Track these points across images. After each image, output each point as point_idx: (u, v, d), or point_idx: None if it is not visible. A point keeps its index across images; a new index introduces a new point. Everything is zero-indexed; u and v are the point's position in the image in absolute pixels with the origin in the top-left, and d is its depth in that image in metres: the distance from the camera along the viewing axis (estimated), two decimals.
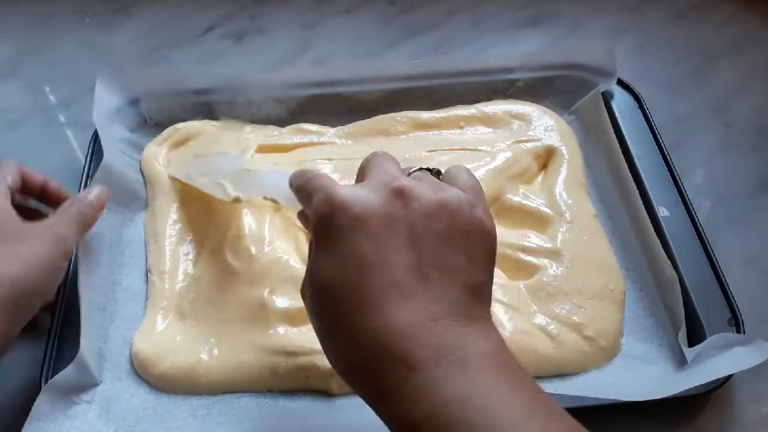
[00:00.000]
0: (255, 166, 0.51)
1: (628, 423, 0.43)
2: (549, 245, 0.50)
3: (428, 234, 0.29)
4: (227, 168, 0.52)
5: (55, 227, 0.41)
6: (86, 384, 0.44)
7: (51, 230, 0.41)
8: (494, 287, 0.48)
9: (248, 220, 0.51)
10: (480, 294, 0.29)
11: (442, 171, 0.36)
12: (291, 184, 0.36)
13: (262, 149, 0.58)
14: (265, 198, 0.47)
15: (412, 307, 0.27)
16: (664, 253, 0.47)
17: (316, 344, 0.44)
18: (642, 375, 0.44)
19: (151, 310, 0.49)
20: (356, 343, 0.27)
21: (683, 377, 0.41)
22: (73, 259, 0.48)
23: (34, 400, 0.40)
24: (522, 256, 0.50)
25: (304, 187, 0.33)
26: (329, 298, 0.29)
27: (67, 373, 0.42)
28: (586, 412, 0.42)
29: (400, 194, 0.30)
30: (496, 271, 0.48)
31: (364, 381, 0.28)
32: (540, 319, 0.46)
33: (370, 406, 0.28)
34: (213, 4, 0.77)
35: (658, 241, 0.48)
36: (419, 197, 0.30)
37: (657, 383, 0.43)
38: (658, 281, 0.48)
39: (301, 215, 0.39)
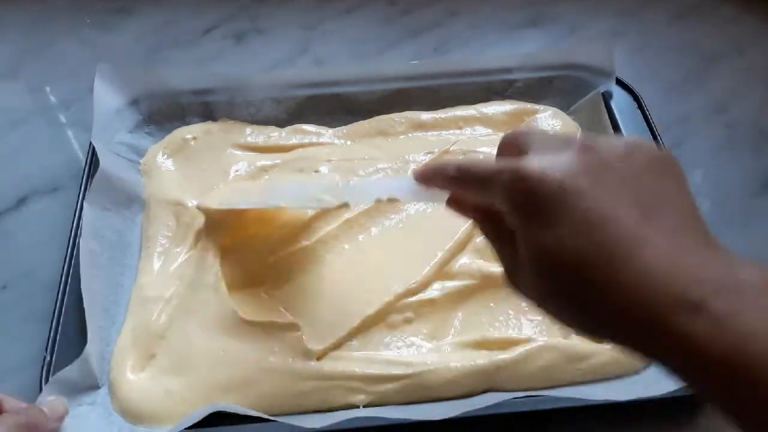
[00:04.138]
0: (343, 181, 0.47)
1: (628, 423, 0.43)
2: None
3: (633, 173, 0.28)
4: (314, 189, 0.46)
5: None
6: (89, 385, 0.44)
7: None
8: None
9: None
10: (702, 218, 0.28)
11: None
12: (435, 176, 0.34)
13: (263, 150, 0.58)
14: (379, 200, 0.41)
15: (663, 245, 0.26)
16: None
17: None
18: (638, 376, 0.44)
19: (126, 325, 0.47)
20: (621, 301, 0.25)
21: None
22: (72, 261, 0.48)
23: (35, 400, 0.40)
24: None
25: (471, 174, 0.31)
26: (572, 267, 0.27)
27: (70, 373, 0.42)
28: (586, 412, 0.42)
29: (587, 148, 0.28)
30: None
31: (638, 337, 0.26)
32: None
33: (645, 354, 0.26)
34: (213, 5, 0.77)
35: None
36: (605, 146, 0.29)
37: (653, 383, 0.43)
38: None
39: (456, 203, 0.35)
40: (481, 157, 0.56)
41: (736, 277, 0.25)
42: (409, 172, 0.36)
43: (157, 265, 0.51)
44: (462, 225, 0.51)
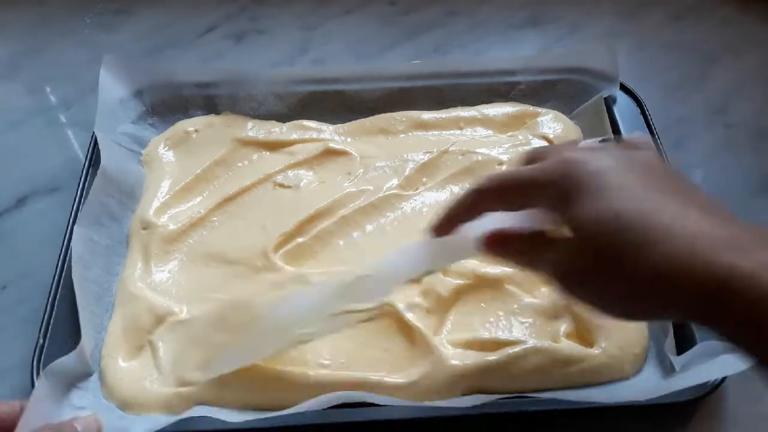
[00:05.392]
0: (366, 269, 0.39)
1: (624, 425, 0.43)
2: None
3: (660, 170, 0.32)
4: (328, 298, 0.39)
5: None
6: (82, 373, 0.44)
7: None
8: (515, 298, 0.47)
9: None
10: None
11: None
12: (458, 209, 0.35)
13: (263, 144, 0.58)
14: (414, 279, 0.40)
15: (703, 220, 0.28)
16: None
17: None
18: (631, 380, 0.44)
19: (115, 316, 0.47)
20: (671, 253, 0.27)
21: (668, 384, 0.41)
22: (68, 252, 0.48)
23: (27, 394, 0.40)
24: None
25: (510, 179, 0.34)
26: (624, 228, 0.28)
27: (66, 362, 0.42)
28: (574, 415, 0.42)
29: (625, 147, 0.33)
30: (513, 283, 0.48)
31: (684, 290, 0.27)
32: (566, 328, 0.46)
33: (684, 312, 0.28)
34: (213, 5, 0.77)
35: None
36: (641, 149, 0.33)
37: (643, 388, 0.42)
38: None
39: (493, 242, 0.35)
40: (480, 158, 0.56)
41: None
42: (418, 239, 0.36)
43: (142, 258, 0.50)
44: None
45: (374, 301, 0.40)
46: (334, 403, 0.40)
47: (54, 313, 0.46)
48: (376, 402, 0.40)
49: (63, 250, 0.50)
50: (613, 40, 0.71)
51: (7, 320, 0.50)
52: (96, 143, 0.55)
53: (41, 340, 0.45)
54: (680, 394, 0.40)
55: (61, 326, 0.45)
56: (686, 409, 0.43)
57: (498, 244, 0.35)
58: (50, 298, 0.47)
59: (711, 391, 0.41)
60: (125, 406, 0.43)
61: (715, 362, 0.40)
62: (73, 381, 0.43)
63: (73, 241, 0.48)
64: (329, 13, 0.76)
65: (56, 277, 0.48)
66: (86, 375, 0.44)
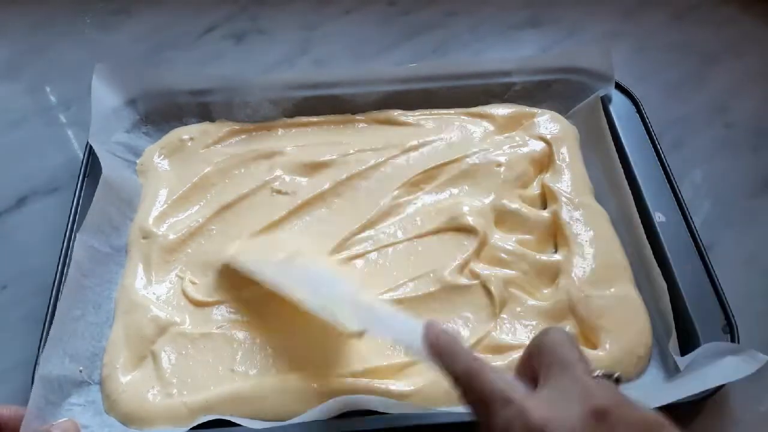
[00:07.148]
0: (366, 297, 0.44)
1: None
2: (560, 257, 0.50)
3: None
4: (336, 292, 0.44)
5: None
6: (75, 382, 0.43)
7: None
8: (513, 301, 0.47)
9: None
10: None
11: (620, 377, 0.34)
12: (443, 361, 0.33)
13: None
14: (396, 342, 0.43)
15: None
16: (655, 261, 0.47)
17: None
18: (635, 382, 0.44)
19: (116, 324, 0.47)
20: None
21: (673, 387, 0.41)
22: (69, 258, 0.48)
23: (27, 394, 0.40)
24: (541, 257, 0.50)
25: (475, 389, 0.31)
26: None
27: (51, 369, 0.41)
28: None
29: (602, 417, 0.27)
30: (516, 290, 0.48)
31: None
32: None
33: None
34: (213, 5, 0.77)
35: (650, 248, 0.48)
36: (623, 420, 0.28)
37: (648, 392, 0.42)
38: (651, 288, 0.47)
39: (433, 332, 0.35)
40: (478, 160, 0.56)
41: None
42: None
43: (143, 267, 0.50)
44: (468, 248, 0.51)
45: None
46: (340, 412, 0.40)
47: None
48: (381, 409, 0.40)
49: (63, 250, 0.50)
50: (613, 40, 0.72)
51: (7, 320, 0.50)
52: (91, 152, 0.55)
53: (43, 341, 0.44)
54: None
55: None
56: (689, 410, 0.43)
57: (437, 337, 0.34)
58: (50, 298, 0.47)
59: (714, 392, 0.41)
60: (129, 420, 0.42)
61: (720, 365, 0.40)
62: (71, 390, 0.43)
63: (74, 248, 0.47)
64: (329, 14, 0.76)
65: (56, 277, 0.48)
66: (82, 385, 0.44)
